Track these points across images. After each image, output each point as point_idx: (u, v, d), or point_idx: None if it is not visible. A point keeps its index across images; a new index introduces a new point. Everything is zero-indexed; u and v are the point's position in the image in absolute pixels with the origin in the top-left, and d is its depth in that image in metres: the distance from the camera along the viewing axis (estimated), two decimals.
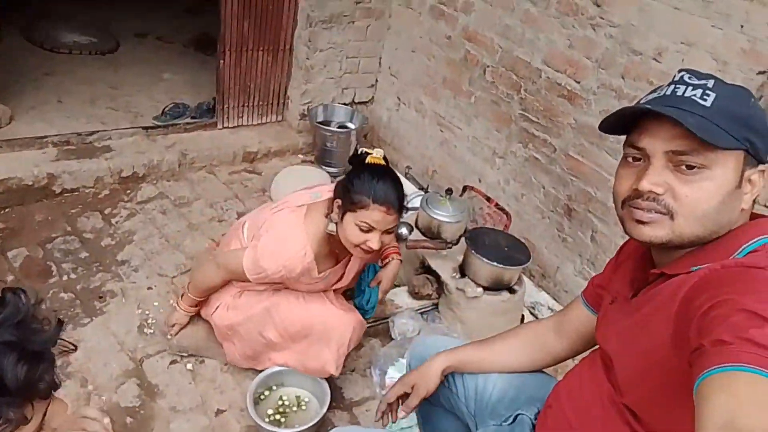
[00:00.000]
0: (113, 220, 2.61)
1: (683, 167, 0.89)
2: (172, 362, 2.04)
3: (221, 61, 3.04)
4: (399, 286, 2.45)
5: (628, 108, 0.95)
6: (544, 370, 1.36)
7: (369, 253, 1.69)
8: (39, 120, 2.88)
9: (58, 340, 0.95)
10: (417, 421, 1.63)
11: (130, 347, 2.07)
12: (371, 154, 1.70)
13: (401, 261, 2.13)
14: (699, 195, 0.89)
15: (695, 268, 0.91)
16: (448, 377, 1.39)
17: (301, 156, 3.34)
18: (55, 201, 2.63)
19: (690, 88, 0.91)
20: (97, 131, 2.90)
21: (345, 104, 3.39)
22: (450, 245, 2.42)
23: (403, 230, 2.54)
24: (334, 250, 1.82)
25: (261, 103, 3.32)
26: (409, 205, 2.71)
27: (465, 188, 2.76)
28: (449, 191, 2.52)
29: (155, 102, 3.32)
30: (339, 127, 3.23)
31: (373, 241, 1.62)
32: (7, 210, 2.52)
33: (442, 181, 3.09)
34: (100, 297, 2.24)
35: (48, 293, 2.21)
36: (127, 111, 3.19)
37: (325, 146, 3.17)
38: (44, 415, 0.93)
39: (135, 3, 4.69)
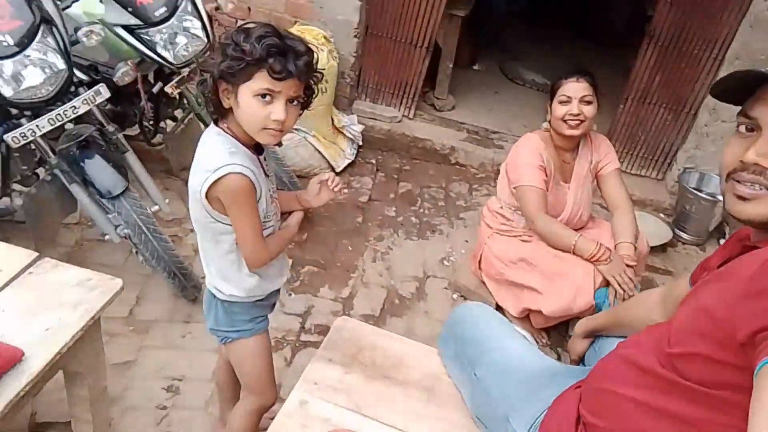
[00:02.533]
0: (474, 193, 3.32)
1: None
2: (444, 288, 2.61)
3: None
4: None
5: (739, 71, 0.94)
6: None
7: (574, 126, 2.14)
8: (469, 114, 3.83)
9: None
10: None
11: (428, 266, 2.72)
12: None
13: None
14: None
15: None
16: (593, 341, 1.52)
17: (661, 215, 3.36)
18: (446, 167, 3.51)
19: None
20: (501, 132, 3.67)
21: None
22: None
23: None
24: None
25: (646, 155, 3.49)
26: None
27: None
28: None
29: None
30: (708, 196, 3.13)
31: (573, 108, 2.13)
32: (415, 160, 3.53)
33: None
34: (432, 230, 2.97)
35: (405, 213, 3.06)
36: (531, 128, 3.84)
37: (684, 209, 3.13)
38: None
39: (596, 58, 5.34)
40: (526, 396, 1.22)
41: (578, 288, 2.07)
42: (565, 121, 2.14)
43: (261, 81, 1.19)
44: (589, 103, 2.12)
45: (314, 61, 1.26)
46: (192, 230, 2.69)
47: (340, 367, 1.42)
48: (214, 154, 1.27)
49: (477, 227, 2.96)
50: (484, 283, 2.47)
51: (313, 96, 1.32)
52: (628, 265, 2.09)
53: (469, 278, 2.59)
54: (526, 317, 2.34)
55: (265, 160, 1.40)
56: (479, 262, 2.47)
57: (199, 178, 1.28)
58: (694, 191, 3.12)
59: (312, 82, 1.29)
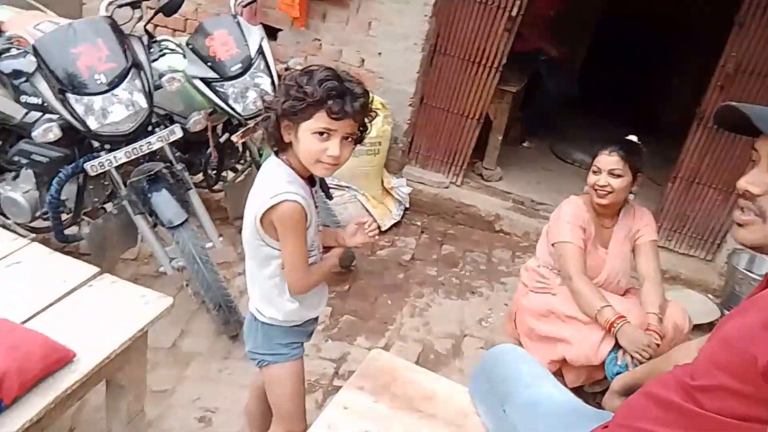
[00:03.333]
0: (516, 260, 3.34)
1: None
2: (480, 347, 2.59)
3: (669, 185, 3.39)
4: None
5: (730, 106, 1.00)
6: None
7: (601, 196, 2.23)
8: (516, 185, 3.90)
9: None
10: None
11: (465, 326, 2.73)
12: None
13: None
14: None
15: None
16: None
17: (710, 296, 3.27)
18: (490, 233, 3.56)
19: None
20: (546, 204, 3.71)
21: None
22: None
23: None
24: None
25: (695, 235, 3.45)
26: None
27: None
28: None
29: None
30: (759, 277, 3.04)
31: (600, 179, 2.21)
32: (459, 225, 3.59)
33: None
34: (472, 292, 2.99)
35: (447, 274, 3.10)
36: None
37: (733, 290, 3.05)
38: None
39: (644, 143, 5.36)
40: None
41: (602, 337, 2.08)
42: (594, 189, 2.24)
43: (320, 120, 1.31)
44: (618, 176, 2.19)
45: (369, 102, 1.39)
46: (239, 273, 2.83)
47: (371, 395, 1.45)
48: (273, 183, 1.39)
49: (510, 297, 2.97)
50: (520, 343, 2.45)
51: (366, 132, 1.43)
52: (654, 333, 2.09)
53: (504, 338, 2.56)
54: (562, 382, 2.30)
55: (316, 192, 1.51)
56: (515, 321, 2.47)
57: (256, 203, 1.39)
58: (745, 272, 3.04)
59: (366, 120, 1.41)
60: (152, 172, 2.17)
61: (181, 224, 2.11)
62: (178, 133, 2.16)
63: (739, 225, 1.00)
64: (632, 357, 2.04)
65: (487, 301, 2.94)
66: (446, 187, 3.66)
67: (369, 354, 1.59)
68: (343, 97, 1.30)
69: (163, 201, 2.12)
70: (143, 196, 2.16)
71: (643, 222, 2.38)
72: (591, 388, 2.42)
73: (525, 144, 4.74)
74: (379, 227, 3.32)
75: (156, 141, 2.10)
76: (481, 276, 3.14)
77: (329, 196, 2.90)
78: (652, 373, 1.45)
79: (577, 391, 2.38)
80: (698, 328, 2.64)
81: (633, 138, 2.37)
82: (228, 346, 2.37)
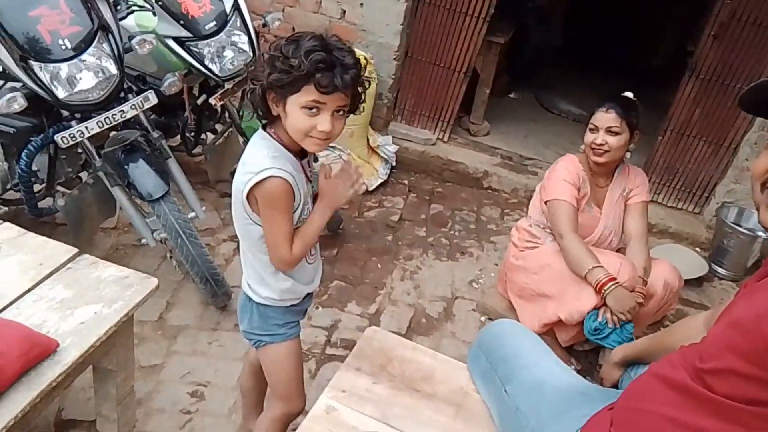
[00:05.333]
0: (505, 218, 3.31)
1: None
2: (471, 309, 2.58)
3: (659, 138, 3.34)
4: None
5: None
6: None
7: (598, 154, 2.18)
8: (503, 140, 3.83)
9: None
10: None
11: (456, 287, 2.70)
12: None
13: None
14: None
15: None
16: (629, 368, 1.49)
17: (698, 249, 3.28)
18: (478, 191, 3.50)
19: None
20: (535, 159, 3.65)
21: None
22: None
23: None
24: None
25: (684, 188, 3.43)
26: None
27: None
28: None
29: None
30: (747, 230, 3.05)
31: (598, 137, 2.16)
32: (447, 183, 3.53)
33: None
34: (462, 252, 2.95)
35: (436, 235, 3.06)
36: (561, 155, 3.83)
37: (722, 243, 3.06)
38: None
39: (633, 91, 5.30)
40: (558, 414, 1.20)
41: (591, 293, 2.08)
42: (591, 148, 2.18)
43: (308, 94, 1.21)
44: (615, 134, 2.14)
45: (361, 71, 1.28)
46: (224, 240, 2.76)
47: (369, 376, 1.41)
48: (258, 157, 1.30)
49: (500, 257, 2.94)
50: (511, 303, 2.44)
51: (361, 102, 1.34)
52: (639, 294, 2.10)
53: (496, 300, 2.56)
54: (554, 341, 2.30)
55: (309, 165, 1.43)
56: (505, 282, 2.46)
57: (242, 179, 1.31)
58: (733, 226, 3.05)
59: (359, 90, 1.31)
60: (127, 142, 2.05)
61: (162, 197, 2.01)
62: (153, 100, 2.03)
63: None
64: (612, 315, 2.05)
65: (477, 261, 2.91)
66: (433, 144, 3.57)
67: (364, 333, 1.55)
68: (332, 69, 1.20)
69: (141, 173, 2.01)
70: (119, 167, 2.04)
71: (636, 182, 2.35)
72: (581, 346, 2.44)
73: (511, 95, 4.64)
74: (366, 188, 3.25)
75: (130, 109, 1.97)
76: (471, 235, 3.10)
77: (315, 159, 2.80)
78: (654, 347, 1.43)
79: (569, 350, 2.40)
80: (687, 284, 2.65)
81: (629, 94, 2.29)
82: (217, 317, 2.32)
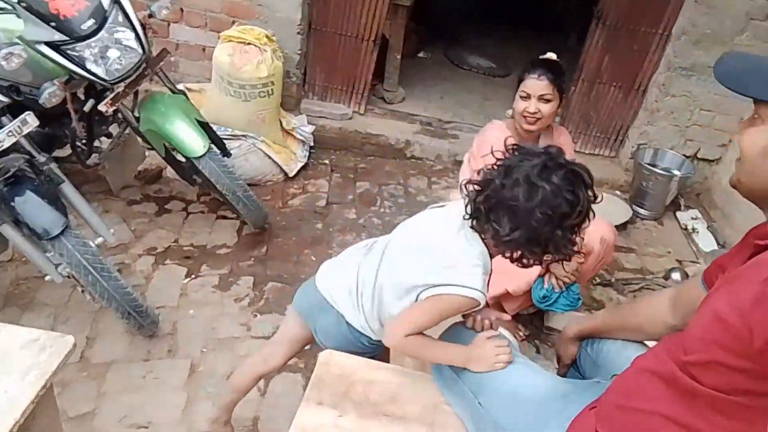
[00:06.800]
0: (433, 186, 3.25)
1: None
2: None
3: (573, 88, 3.36)
4: None
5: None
6: None
7: (531, 123, 2.09)
8: (420, 105, 3.73)
9: None
10: None
11: None
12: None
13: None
14: None
15: None
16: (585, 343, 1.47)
17: (618, 192, 3.38)
18: (402, 161, 3.41)
19: None
20: (454, 122, 3.60)
21: (685, 156, 3.28)
22: None
23: (676, 275, 2.46)
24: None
25: (599, 135, 3.50)
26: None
27: None
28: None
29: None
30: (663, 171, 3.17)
31: (531, 106, 2.04)
32: (370, 157, 3.41)
33: None
34: None
35: (367, 215, 2.95)
36: (485, 116, 3.80)
37: (641, 186, 3.16)
38: None
39: (541, 47, 5.34)
40: (540, 423, 1.15)
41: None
42: (524, 116, 2.13)
43: None
44: (547, 101, 2.09)
45: None
46: (140, 255, 2.52)
47: (332, 409, 1.31)
48: (471, 267, 1.23)
49: None
50: None
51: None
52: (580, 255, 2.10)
53: None
54: (502, 312, 2.30)
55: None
56: None
57: (443, 275, 1.23)
58: (650, 167, 3.14)
59: None
60: (9, 173, 1.76)
61: (62, 232, 1.76)
62: (33, 123, 1.74)
63: None
64: (557, 280, 2.08)
65: None
66: (350, 119, 3.42)
67: (319, 359, 1.43)
68: None
69: (32, 207, 1.74)
70: (4, 204, 1.76)
71: (561, 141, 2.33)
72: (526, 311, 2.46)
73: (421, 54, 4.53)
74: (287, 174, 3.08)
75: (6, 137, 1.68)
76: (402, 210, 3.02)
77: (227, 153, 2.59)
78: (614, 325, 1.42)
79: (515, 317, 2.41)
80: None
81: (551, 55, 2.23)
82: (146, 345, 2.12)
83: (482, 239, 1.25)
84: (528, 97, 2.09)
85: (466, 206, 1.23)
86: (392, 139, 3.39)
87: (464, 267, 1.23)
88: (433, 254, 1.27)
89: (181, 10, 3.02)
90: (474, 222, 1.24)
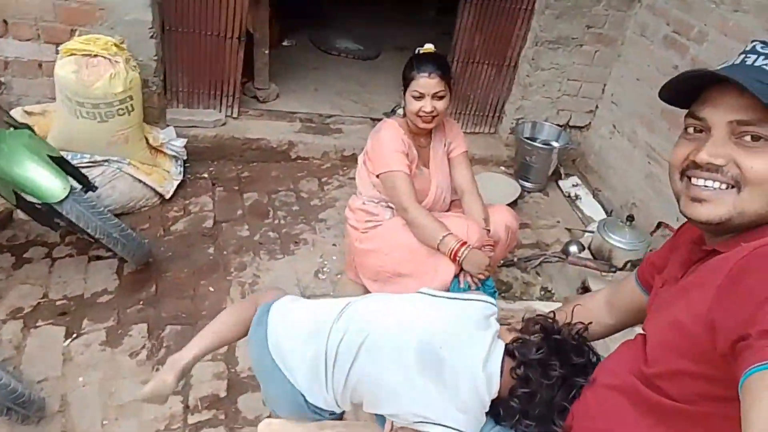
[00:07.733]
0: (325, 187, 3.10)
1: (747, 138, 0.85)
2: None
3: None
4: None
5: (689, 72, 0.91)
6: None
7: (427, 121, 2.05)
8: (296, 100, 3.54)
9: None
10: None
11: (304, 285, 2.47)
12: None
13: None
14: (766, 167, 0.84)
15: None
16: None
17: (503, 168, 3.46)
18: (288, 164, 3.22)
19: (762, 57, 0.86)
20: (335, 116, 3.45)
21: (559, 125, 3.42)
22: (614, 270, 2.32)
23: (573, 248, 2.53)
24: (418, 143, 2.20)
25: (478, 113, 3.54)
26: (589, 227, 2.67)
27: (660, 224, 2.60)
28: (630, 218, 2.43)
29: (391, 101, 3.78)
30: (543, 145, 3.28)
31: (426, 105, 1.99)
32: (253, 164, 3.18)
33: (641, 214, 2.92)
34: (296, 242, 2.70)
35: (261, 230, 2.74)
36: (364, 105, 3.70)
37: (525, 160, 3.25)
38: None
39: (404, 23, 5.32)
40: None
41: (447, 263, 2.05)
42: (419, 116, 2.06)
43: None
44: (441, 98, 2.05)
45: None
46: (4, 320, 2.13)
47: None
48: (475, 414, 1.17)
49: (340, 227, 2.76)
50: (366, 289, 2.31)
51: None
52: (489, 248, 2.11)
53: (350, 288, 2.41)
54: None
55: None
56: (355, 268, 2.31)
57: (431, 412, 1.15)
58: (531, 143, 3.23)
59: None
60: None
61: None
62: None
63: (699, 201, 0.91)
64: (472, 278, 2.05)
65: (314, 247, 2.69)
66: (224, 124, 3.15)
67: (258, 428, 1.27)
68: None
69: None
70: None
71: (453, 133, 2.31)
72: None
73: (285, 43, 4.30)
74: (162, 196, 2.77)
75: None
76: (298, 219, 2.85)
77: (91, 188, 2.27)
78: None
79: None
80: None
81: (430, 47, 2.17)
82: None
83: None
84: (421, 96, 2.03)
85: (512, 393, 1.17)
86: (274, 142, 3.18)
87: (475, 413, 1.17)
88: (447, 389, 1.16)
89: (5, 21, 2.55)
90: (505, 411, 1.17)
